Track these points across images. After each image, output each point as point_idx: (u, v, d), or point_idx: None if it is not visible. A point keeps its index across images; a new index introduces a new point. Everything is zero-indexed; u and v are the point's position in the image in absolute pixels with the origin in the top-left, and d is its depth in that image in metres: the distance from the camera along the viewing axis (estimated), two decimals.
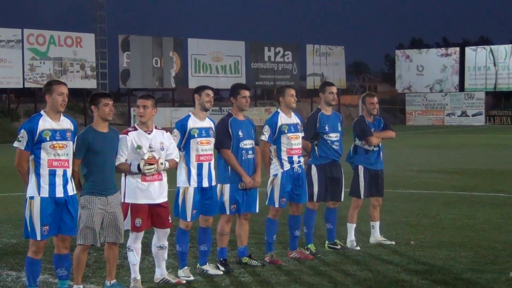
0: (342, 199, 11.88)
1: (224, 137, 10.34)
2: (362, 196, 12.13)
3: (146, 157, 9.07)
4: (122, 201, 9.31)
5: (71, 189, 8.62)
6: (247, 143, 10.50)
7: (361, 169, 12.09)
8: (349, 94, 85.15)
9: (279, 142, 10.97)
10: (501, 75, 73.93)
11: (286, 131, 10.96)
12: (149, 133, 9.38)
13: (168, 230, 9.66)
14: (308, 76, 72.51)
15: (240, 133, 10.44)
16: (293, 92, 11.18)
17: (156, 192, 9.34)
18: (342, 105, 76.55)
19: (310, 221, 11.62)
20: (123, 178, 9.38)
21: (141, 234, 9.46)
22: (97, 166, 8.87)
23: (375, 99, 12.29)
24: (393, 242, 12.15)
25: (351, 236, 12.07)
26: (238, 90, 10.61)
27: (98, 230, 8.90)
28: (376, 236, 12.31)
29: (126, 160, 9.21)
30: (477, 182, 21.33)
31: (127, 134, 9.29)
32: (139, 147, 9.23)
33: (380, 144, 12.27)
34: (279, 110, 11.17)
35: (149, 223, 9.43)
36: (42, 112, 8.56)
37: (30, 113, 52.31)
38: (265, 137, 10.94)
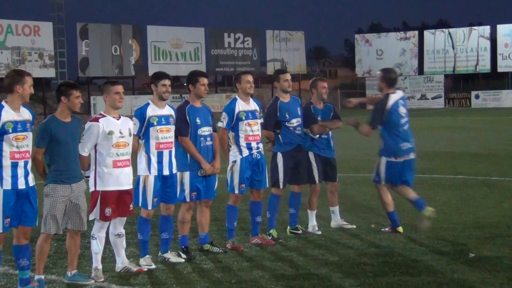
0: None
1: (182, 125, 10.31)
2: (317, 181, 12.14)
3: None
4: (93, 189, 9.31)
5: (32, 180, 8.59)
6: (205, 130, 10.49)
7: (311, 155, 12.06)
8: (309, 79, 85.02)
9: (237, 129, 10.97)
10: (459, 58, 74.43)
11: (244, 118, 10.95)
12: (118, 119, 9.40)
13: (125, 218, 9.67)
14: (269, 62, 72.44)
15: (198, 120, 10.41)
16: (248, 78, 11.14)
17: (125, 178, 9.39)
18: (303, 90, 76.56)
19: (274, 207, 11.65)
20: (93, 166, 9.35)
21: (107, 223, 9.46)
22: (60, 156, 8.84)
23: (327, 84, 12.34)
24: (354, 226, 12.24)
25: (312, 222, 12.12)
26: (196, 77, 10.56)
27: (61, 219, 8.89)
28: (337, 220, 12.37)
29: (89, 151, 9.26)
30: (437, 165, 21.51)
31: (97, 121, 9.27)
32: (110, 132, 9.23)
33: (330, 133, 12.27)
34: (237, 96, 11.16)
35: (117, 213, 9.43)
36: (3, 103, 8.47)
37: None
38: (223, 124, 10.94)
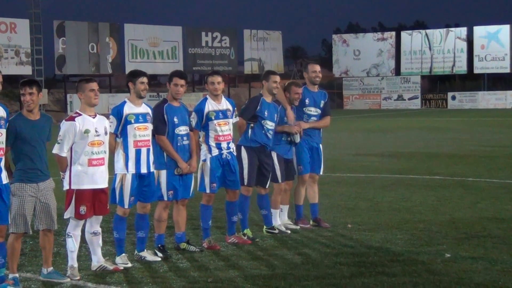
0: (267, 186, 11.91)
1: (159, 124, 10.29)
2: (280, 181, 12.08)
3: None
4: (67, 188, 9.24)
5: (5, 178, 8.51)
6: (182, 129, 10.47)
7: (274, 155, 11.97)
8: (287, 79, 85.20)
9: (207, 129, 10.94)
10: (436, 59, 74.66)
11: (213, 118, 10.91)
12: (93, 117, 9.35)
13: (101, 216, 9.62)
14: (246, 61, 72.33)
15: (175, 120, 10.40)
16: (214, 79, 11.06)
17: (100, 177, 9.34)
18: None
19: (244, 207, 11.60)
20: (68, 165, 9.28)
21: (82, 221, 9.41)
22: (26, 154, 8.76)
23: (301, 90, 12.28)
24: (298, 227, 12.27)
25: (276, 221, 12.08)
26: (172, 77, 10.60)
27: (29, 218, 8.82)
28: (283, 219, 12.33)
29: (69, 150, 9.19)
30: (413, 165, 21.58)
31: (73, 120, 9.21)
32: (86, 131, 9.19)
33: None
34: (207, 96, 11.14)
35: (92, 212, 9.37)
36: None
37: None
38: (192, 124, 10.87)
